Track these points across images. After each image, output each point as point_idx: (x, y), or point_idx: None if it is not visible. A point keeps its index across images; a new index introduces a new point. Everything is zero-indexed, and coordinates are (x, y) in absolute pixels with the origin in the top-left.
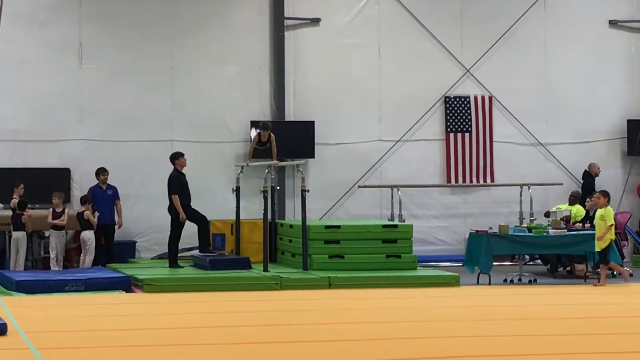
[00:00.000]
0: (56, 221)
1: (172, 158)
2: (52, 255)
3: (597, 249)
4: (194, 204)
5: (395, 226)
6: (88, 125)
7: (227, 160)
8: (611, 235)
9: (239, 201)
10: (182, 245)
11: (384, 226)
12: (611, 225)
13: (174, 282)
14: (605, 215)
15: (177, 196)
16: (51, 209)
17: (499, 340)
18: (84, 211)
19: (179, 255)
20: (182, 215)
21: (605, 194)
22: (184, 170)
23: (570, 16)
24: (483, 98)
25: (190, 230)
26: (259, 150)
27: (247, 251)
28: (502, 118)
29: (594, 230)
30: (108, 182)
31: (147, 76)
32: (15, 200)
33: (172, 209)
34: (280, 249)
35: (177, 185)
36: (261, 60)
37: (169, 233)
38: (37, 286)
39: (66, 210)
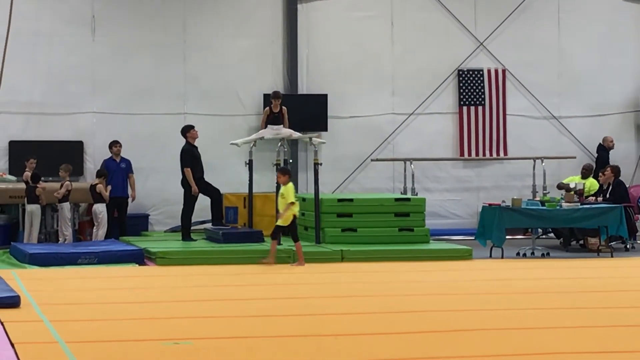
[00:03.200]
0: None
1: (183, 131)
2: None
3: (280, 223)
4: (206, 177)
5: (408, 199)
6: (101, 98)
7: (240, 134)
8: (293, 212)
9: (251, 174)
10: (195, 218)
11: (397, 199)
12: (292, 203)
13: (186, 255)
14: (285, 193)
15: (189, 169)
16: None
17: (511, 313)
18: (96, 184)
19: (192, 228)
20: (195, 188)
21: (284, 171)
22: (196, 143)
23: None
24: (496, 71)
25: (203, 203)
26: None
27: (259, 224)
28: (515, 91)
29: (606, 203)
30: (121, 155)
31: (160, 49)
32: (28, 173)
33: (184, 182)
34: None
35: (189, 158)
36: (274, 33)
37: (182, 206)
38: (50, 259)
39: (65, 184)
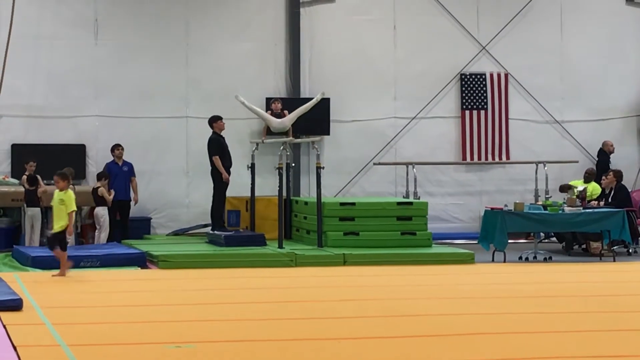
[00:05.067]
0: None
1: (210, 121)
2: None
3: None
4: (207, 179)
5: (410, 203)
6: (103, 101)
7: (242, 137)
8: (65, 222)
9: (254, 178)
10: (196, 221)
11: (399, 203)
12: (73, 211)
13: (189, 258)
14: (67, 200)
15: (217, 157)
16: None
17: (513, 317)
18: (98, 187)
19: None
20: (225, 175)
21: (63, 176)
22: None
23: None
24: (499, 75)
25: (205, 207)
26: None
27: (262, 228)
28: (517, 95)
29: (609, 208)
30: (124, 158)
31: (162, 52)
32: (25, 177)
33: (214, 172)
34: (295, 226)
35: (217, 146)
36: (276, 37)
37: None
38: (52, 262)
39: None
